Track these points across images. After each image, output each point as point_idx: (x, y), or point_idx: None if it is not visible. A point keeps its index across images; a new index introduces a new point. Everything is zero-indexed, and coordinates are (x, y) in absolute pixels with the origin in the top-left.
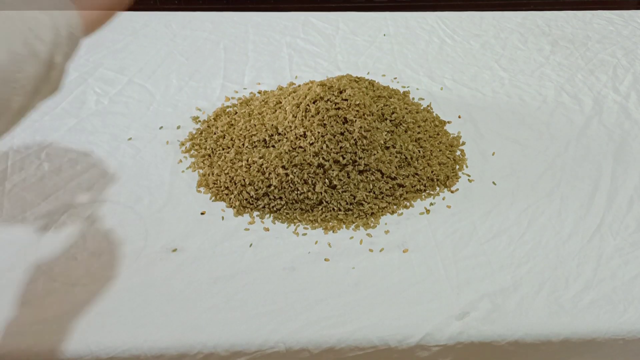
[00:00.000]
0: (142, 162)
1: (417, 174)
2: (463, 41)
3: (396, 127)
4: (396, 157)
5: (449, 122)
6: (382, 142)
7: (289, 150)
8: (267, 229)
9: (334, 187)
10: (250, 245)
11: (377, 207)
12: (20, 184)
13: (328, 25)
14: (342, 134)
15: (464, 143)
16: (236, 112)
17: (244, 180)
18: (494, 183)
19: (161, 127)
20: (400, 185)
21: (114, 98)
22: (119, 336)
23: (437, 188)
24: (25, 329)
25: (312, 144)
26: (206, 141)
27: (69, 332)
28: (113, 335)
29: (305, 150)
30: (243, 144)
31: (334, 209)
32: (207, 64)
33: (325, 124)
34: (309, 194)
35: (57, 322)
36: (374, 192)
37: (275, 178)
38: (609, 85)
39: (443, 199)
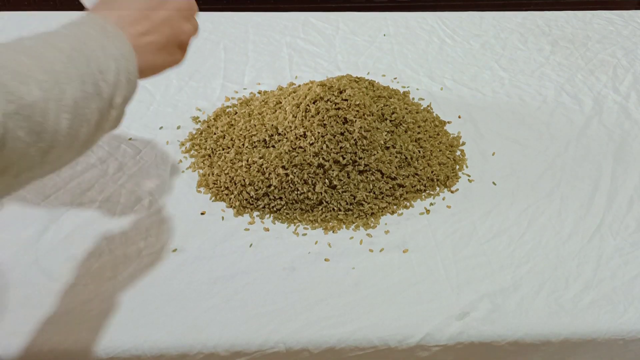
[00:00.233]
0: (142, 162)
1: (417, 174)
2: (463, 41)
3: (396, 127)
4: (396, 157)
5: (449, 122)
6: (382, 142)
7: (289, 151)
8: (267, 229)
9: (334, 187)
10: (250, 245)
11: (377, 207)
12: None
13: (328, 25)
14: (342, 134)
15: (464, 143)
16: (236, 112)
17: (244, 180)
18: (494, 183)
19: (161, 127)
20: (400, 186)
21: None
22: (119, 336)
23: (437, 188)
24: (25, 329)
25: (312, 144)
26: (206, 141)
27: (69, 332)
28: (113, 335)
29: (305, 150)
30: (243, 144)
31: (334, 209)
32: (207, 64)
33: (325, 124)
34: (309, 194)
35: (57, 322)
36: (374, 192)
37: (275, 178)
38: (609, 85)
39: (443, 199)
